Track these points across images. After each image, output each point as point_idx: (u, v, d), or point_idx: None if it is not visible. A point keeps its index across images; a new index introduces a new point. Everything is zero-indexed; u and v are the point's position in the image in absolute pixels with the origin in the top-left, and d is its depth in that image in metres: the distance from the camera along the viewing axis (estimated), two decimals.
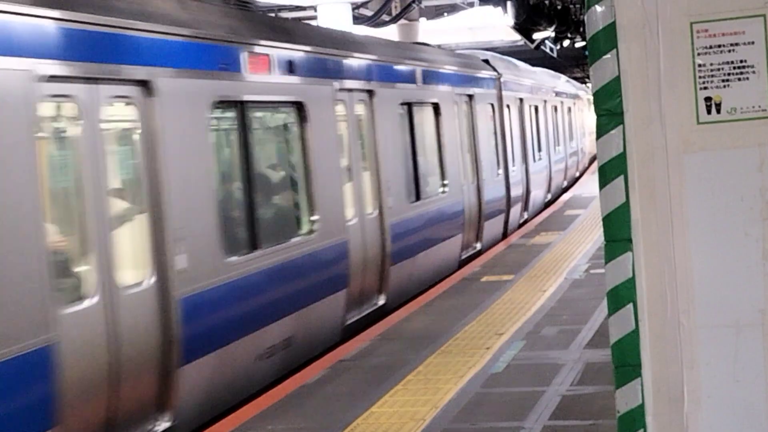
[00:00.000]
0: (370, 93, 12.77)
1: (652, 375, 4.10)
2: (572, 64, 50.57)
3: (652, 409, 4.11)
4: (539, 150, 24.53)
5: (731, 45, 4.00)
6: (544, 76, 28.76)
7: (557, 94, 29.66)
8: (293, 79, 10.49)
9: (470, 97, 17.59)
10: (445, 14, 29.62)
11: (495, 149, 19.19)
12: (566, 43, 33.03)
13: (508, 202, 19.76)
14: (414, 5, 24.33)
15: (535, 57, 35.16)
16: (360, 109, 12.57)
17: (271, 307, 9.54)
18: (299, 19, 22.57)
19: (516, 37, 29.17)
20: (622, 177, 4.09)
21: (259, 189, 9.84)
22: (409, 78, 14.70)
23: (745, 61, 3.99)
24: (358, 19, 21.58)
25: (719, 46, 4.00)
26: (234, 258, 8.94)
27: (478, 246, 17.33)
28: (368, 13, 22.95)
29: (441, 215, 15.15)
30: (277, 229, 10.18)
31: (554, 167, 27.08)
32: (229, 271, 8.80)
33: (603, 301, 7.34)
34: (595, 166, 35.09)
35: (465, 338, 10.33)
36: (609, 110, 4.11)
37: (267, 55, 9.91)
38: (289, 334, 9.90)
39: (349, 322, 11.39)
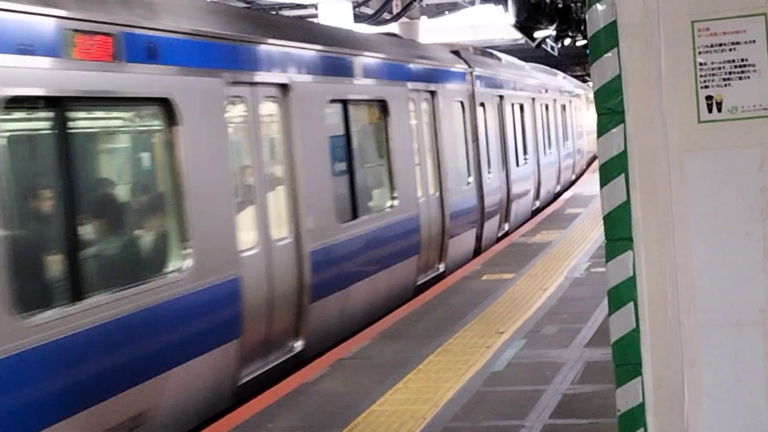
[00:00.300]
0: (284, 88, 10.24)
1: (652, 374, 4.09)
2: (573, 63, 50.57)
3: (653, 408, 4.11)
4: (525, 153, 22.14)
5: (732, 44, 3.99)
6: (532, 71, 26.60)
7: (548, 91, 27.36)
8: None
9: (432, 93, 15.13)
10: (446, 12, 29.58)
11: (465, 154, 16.86)
12: (567, 41, 33.02)
13: (482, 214, 17.42)
14: (415, 3, 24.32)
15: (537, 56, 35.16)
16: (267, 109, 10.09)
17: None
18: (301, 17, 22.56)
19: (517, 36, 29.15)
20: (623, 176, 4.09)
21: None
22: (343, 70, 12.01)
23: (746, 59, 3.99)
24: (359, 18, 21.57)
25: (720, 44, 4.00)
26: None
27: (441, 267, 14.92)
28: (369, 11, 22.94)
29: (388, 235, 12.66)
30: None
31: (544, 171, 24.77)
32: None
33: (604, 300, 7.36)
34: (594, 166, 35.13)
35: (466, 337, 10.33)
36: (610, 109, 4.11)
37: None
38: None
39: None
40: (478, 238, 17.26)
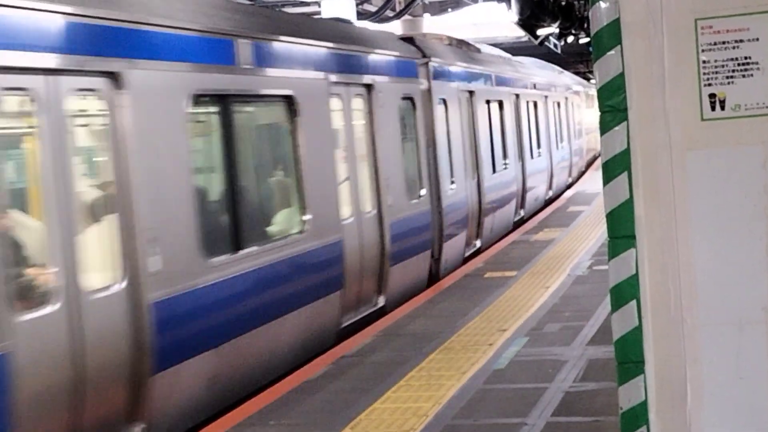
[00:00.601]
0: (114, 76, 7.52)
1: (655, 372, 4.09)
2: (576, 61, 50.55)
3: (655, 405, 4.11)
4: (504, 157, 19.47)
5: (736, 42, 3.99)
6: (520, 65, 23.98)
7: (537, 86, 24.70)
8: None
9: (368, 87, 12.41)
10: (450, 10, 29.56)
11: (416, 161, 14.07)
12: (570, 39, 32.98)
13: (440, 232, 14.61)
14: (418, 1, 24.31)
15: (540, 53, 35.14)
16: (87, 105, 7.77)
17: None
18: (305, 14, 22.55)
19: (520, 33, 29.12)
20: (626, 173, 4.09)
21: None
22: (213, 54, 8.98)
23: (750, 57, 3.99)
24: (362, 15, 21.57)
25: (724, 42, 4.00)
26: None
27: (381, 301, 12.26)
28: (372, 8, 22.94)
29: (294, 269, 9.95)
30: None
31: (532, 177, 22.10)
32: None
33: (606, 297, 7.36)
34: (596, 164, 35.01)
35: (468, 334, 10.33)
36: (613, 107, 4.10)
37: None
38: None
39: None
40: (436, 261, 14.49)
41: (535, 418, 7.47)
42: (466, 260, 15.81)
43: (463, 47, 19.24)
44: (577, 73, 44.72)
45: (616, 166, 4.11)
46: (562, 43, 34.80)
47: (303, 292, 10.16)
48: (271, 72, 10.01)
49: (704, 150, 4.03)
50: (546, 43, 31.84)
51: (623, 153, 4.09)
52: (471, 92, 17.19)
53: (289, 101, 10.33)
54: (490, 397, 8.10)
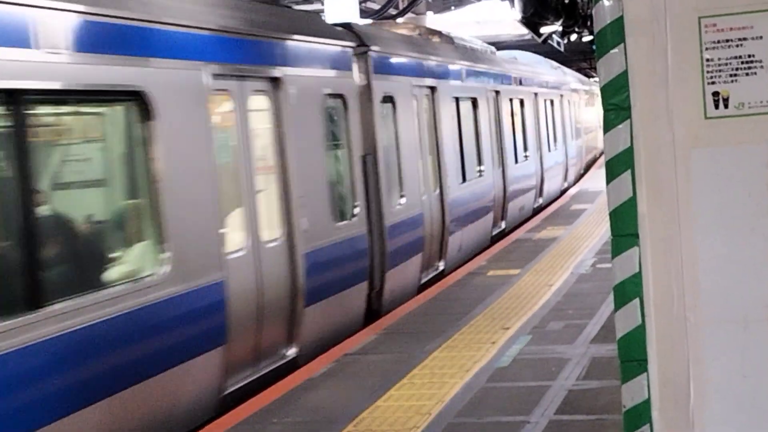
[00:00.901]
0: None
1: (658, 370, 4.09)
2: (580, 59, 50.55)
3: (659, 404, 4.11)
4: (479, 164, 17.32)
5: (739, 40, 3.98)
6: (498, 59, 21.31)
7: (524, 82, 22.43)
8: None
9: (274, 82, 9.80)
10: (453, 8, 29.55)
11: (349, 174, 11.62)
12: (574, 37, 32.93)
13: (382, 259, 12.09)
14: None
15: (543, 51, 35.12)
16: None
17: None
18: (307, 12, 22.54)
19: (523, 31, 29.08)
20: (629, 172, 4.09)
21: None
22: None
23: (753, 56, 3.98)
24: (365, 13, 21.56)
25: (727, 40, 3.99)
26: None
27: (292, 352, 9.79)
28: (376, 6, 22.94)
29: (138, 326, 7.41)
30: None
31: (515, 185, 19.88)
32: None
33: (609, 295, 7.37)
34: (598, 163, 34.96)
35: (471, 332, 10.33)
36: (616, 105, 4.10)
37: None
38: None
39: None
40: (378, 293, 12.10)
41: (538, 416, 7.47)
42: (425, 286, 13.57)
43: (435, 37, 17.44)
44: (580, 72, 44.69)
45: (619, 164, 4.11)
46: (566, 41, 34.77)
47: (154, 356, 7.64)
48: (106, 60, 7.42)
49: (707, 148, 4.02)
50: (549, 41, 31.80)
51: (626, 151, 4.09)
52: (432, 88, 14.94)
53: (138, 99, 7.75)
54: (493, 395, 8.10)
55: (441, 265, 14.73)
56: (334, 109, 11.45)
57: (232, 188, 9.09)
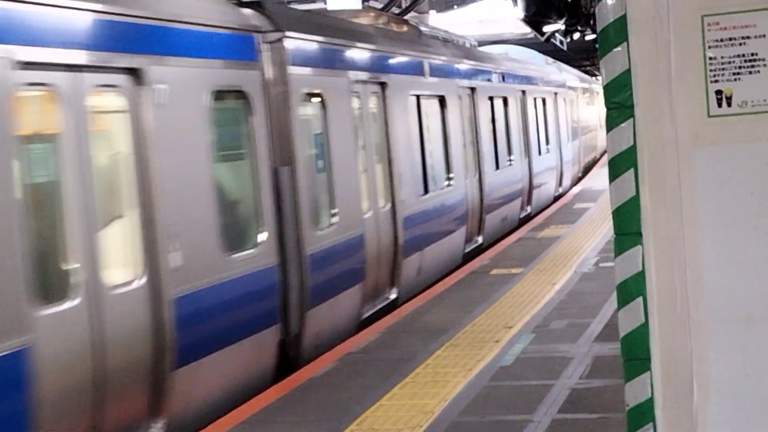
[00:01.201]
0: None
1: (661, 369, 4.09)
2: (582, 57, 50.53)
3: (662, 402, 4.10)
4: (449, 172, 15.30)
5: (742, 38, 3.98)
6: (477, 52, 19.39)
7: (508, 79, 20.35)
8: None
9: (133, 75, 7.46)
10: (455, 7, 29.58)
11: (252, 192, 9.28)
12: (576, 35, 32.93)
13: (301, 296, 9.76)
14: None
15: (546, 50, 35.12)
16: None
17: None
18: (308, 10, 22.51)
19: (526, 30, 29.06)
20: (632, 170, 4.08)
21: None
22: None
23: (757, 54, 3.98)
24: None
25: (730, 39, 3.99)
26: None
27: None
28: (378, 5, 22.93)
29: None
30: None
31: (495, 194, 17.93)
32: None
33: (612, 294, 7.35)
34: (601, 161, 34.87)
35: (474, 331, 10.33)
36: (619, 103, 4.10)
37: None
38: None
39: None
40: (295, 338, 9.74)
41: (541, 415, 7.47)
42: (366, 323, 11.36)
43: (400, 27, 15.63)
44: (583, 70, 44.64)
45: (622, 163, 4.10)
46: (568, 39, 34.73)
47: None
48: None
49: (711, 147, 4.02)
50: (552, 39, 31.78)
51: (629, 150, 4.09)
52: (382, 84, 12.62)
53: None
54: (496, 394, 8.10)
55: (392, 294, 12.45)
56: (230, 110, 9.18)
57: (53, 220, 6.71)
